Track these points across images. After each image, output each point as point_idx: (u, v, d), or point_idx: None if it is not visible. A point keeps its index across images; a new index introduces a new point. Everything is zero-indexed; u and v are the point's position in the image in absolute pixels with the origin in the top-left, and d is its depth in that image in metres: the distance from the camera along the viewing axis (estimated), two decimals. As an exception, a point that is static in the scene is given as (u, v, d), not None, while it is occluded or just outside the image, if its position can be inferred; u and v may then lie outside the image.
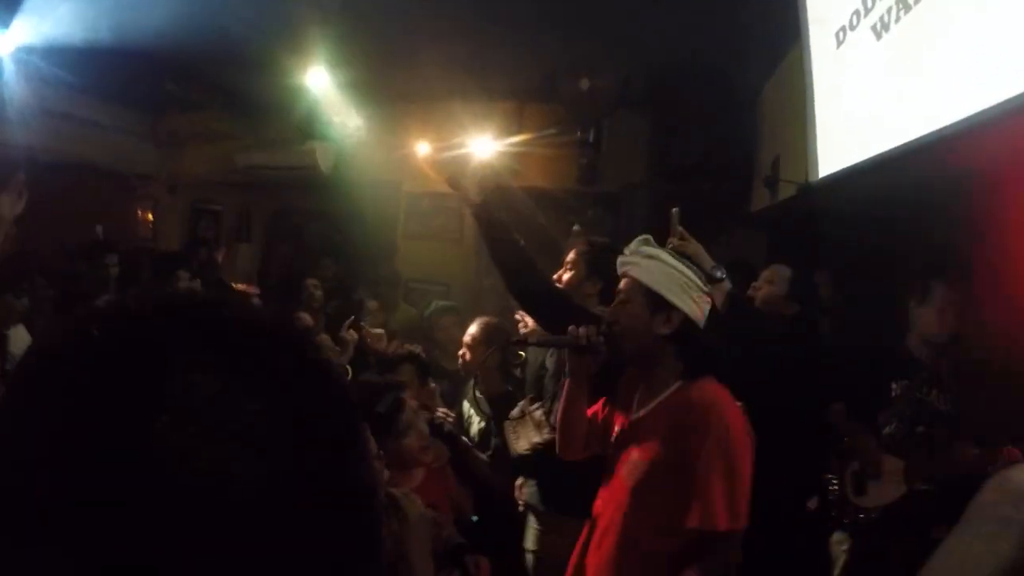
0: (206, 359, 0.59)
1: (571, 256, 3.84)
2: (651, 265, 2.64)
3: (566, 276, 3.76)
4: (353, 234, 9.23)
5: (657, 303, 2.58)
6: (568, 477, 3.25)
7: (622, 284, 2.73)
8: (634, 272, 2.66)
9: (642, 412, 2.70)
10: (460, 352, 4.48)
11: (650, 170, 7.14)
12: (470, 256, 8.00)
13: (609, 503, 2.74)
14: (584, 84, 6.98)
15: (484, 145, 7.63)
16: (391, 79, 7.71)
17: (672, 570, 2.47)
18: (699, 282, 2.63)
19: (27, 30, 6.41)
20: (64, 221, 9.07)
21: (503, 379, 4.30)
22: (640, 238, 2.75)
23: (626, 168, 7.27)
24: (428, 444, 3.12)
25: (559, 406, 3.01)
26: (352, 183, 8.47)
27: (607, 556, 2.65)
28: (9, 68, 6.78)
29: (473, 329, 4.44)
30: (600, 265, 3.61)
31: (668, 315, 2.57)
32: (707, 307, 2.66)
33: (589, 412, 2.99)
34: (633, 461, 2.63)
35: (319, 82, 7.71)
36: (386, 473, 2.83)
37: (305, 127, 8.47)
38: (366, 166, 8.40)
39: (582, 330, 2.73)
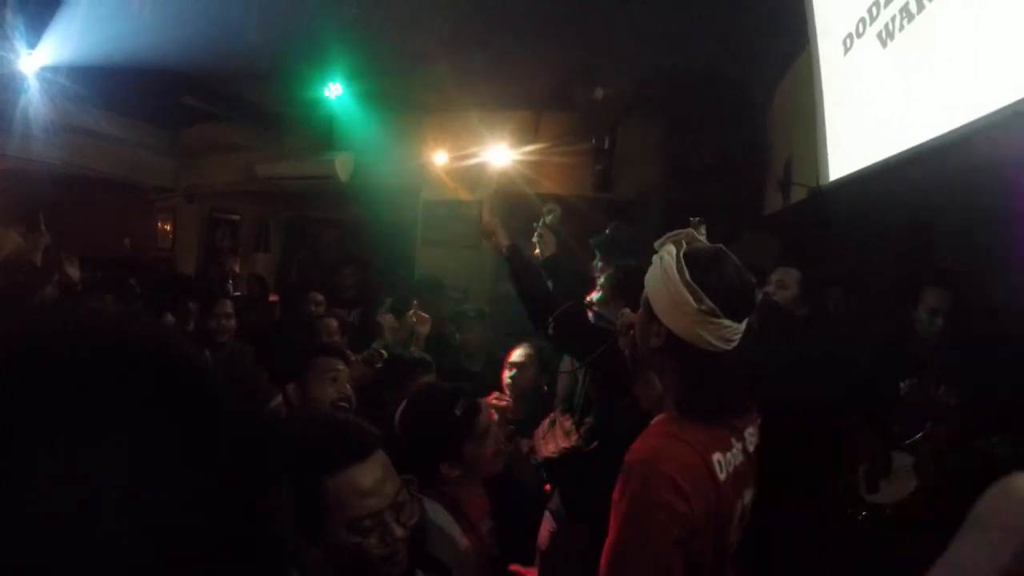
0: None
1: (599, 280, 4.03)
2: (653, 268, 2.27)
3: (595, 297, 3.93)
4: (372, 242, 9.37)
5: (651, 312, 2.23)
6: (589, 486, 3.35)
7: None
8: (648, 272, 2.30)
9: None
10: (510, 374, 4.61)
11: (664, 176, 7.22)
12: (486, 263, 8.08)
13: None
14: (598, 92, 7.10)
15: (500, 153, 7.74)
16: (408, 90, 7.82)
17: None
18: (692, 302, 2.12)
19: (51, 51, 6.66)
20: (87, 232, 9.35)
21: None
22: (670, 234, 2.32)
23: (640, 174, 7.35)
24: (502, 451, 3.04)
25: None
26: (370, 192, 8.58)
27: None
28: (34, 87, 7.03)
29: (521, 351, 4.61)
30: (625, 287, 3.81)
31: (659, 327, 2.21)
32: (712, 332, 2.15)
33: None
34: None
35: (336, 93, 7.83)
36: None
37: (323, 137, 8.60)
38: (384, 175, 8.50)
39: (626, 314, 2.53)
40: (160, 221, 11.14)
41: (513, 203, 7.83)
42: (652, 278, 2.25)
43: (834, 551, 3.68)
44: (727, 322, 2.15)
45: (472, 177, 8.26)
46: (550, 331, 3.74)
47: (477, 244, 8.25)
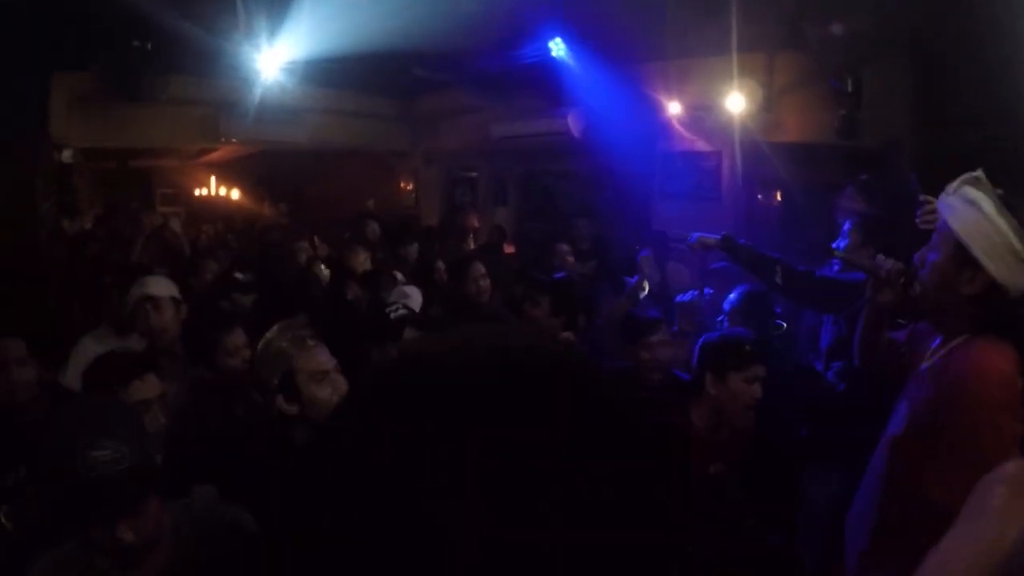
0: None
1: (847, 227, 4.19)
2: (967, 213, 2.28)
3: (843, 244, 4.09)
4: (607, 194, 9.39)
5: (964, 258, 2.28)
6: (833, 431, 3.64)
7: (938, 227, 2.44)
8: (948, 217, 2.34)
9: (928, 363, 2.48)
10: None
11: (915, 121, 6.66)
12: (727, 214, 7.86)
13: (880, 450, 2.57)
14: (836, 29, 6.61)
15: (734, 100, 7.46)
16: (638, 39, 7.66)
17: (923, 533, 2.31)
18: (1020, 248, 2.21)
19: (290, 45, 7.61)
20: (337, 198, 10.45)
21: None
22: (968, 176, 2.35)
23: (890, 120, 6.79)
24: None
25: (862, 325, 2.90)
26: (604, 145, 8.52)
27: (869, 508, 2.53)
28: (278, 78, 8.07)
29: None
30: (874, 234, 3.97)
31: (974, 274, 2.27)
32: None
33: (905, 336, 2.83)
34: (901, 413, 2.47)
35: (566, 48, 7.83)
36: None
37: (554, 94, 8.64)
38: (618, 128, 8.39)
39: (889, 263, 2.62)
40: (403, 182, 11.99)
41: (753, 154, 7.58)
42: (969, 223, 2.27)
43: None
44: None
45: (708, 126, 8.00)
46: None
47: (716, 196, 8.06)
